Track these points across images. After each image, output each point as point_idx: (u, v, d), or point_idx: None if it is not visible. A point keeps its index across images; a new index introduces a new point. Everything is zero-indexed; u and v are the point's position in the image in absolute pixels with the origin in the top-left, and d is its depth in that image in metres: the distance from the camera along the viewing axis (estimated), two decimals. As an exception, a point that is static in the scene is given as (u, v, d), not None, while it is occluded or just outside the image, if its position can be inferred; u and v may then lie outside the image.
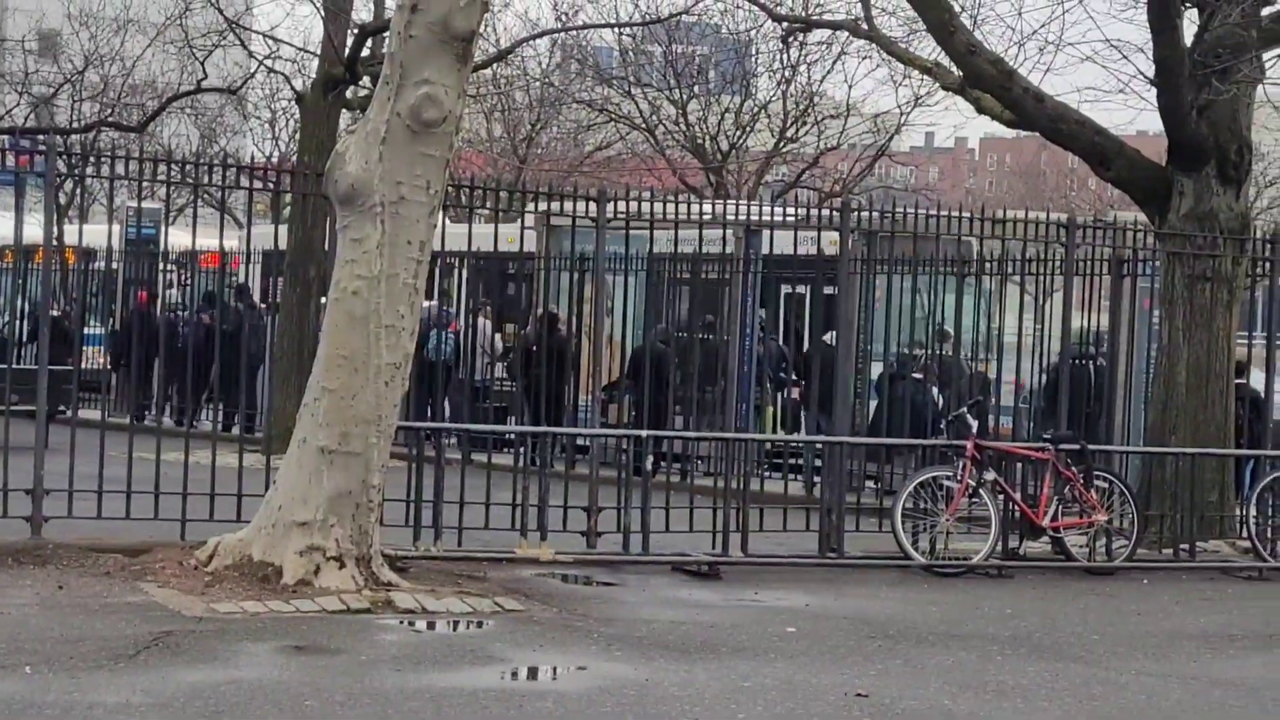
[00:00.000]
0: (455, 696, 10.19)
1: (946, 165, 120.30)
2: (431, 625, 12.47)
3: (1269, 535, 17.17)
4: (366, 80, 24.18)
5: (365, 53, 24.01)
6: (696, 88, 39.66)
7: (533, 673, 11.42)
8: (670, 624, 12.78)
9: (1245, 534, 17.21)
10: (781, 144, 39.20)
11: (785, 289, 23.34)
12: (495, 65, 34.28)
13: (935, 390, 19.63)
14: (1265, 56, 18.39)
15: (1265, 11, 18.26)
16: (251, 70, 32.92)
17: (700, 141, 38.53)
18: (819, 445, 17.96)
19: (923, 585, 15.29)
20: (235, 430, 17.95)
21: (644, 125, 39.02)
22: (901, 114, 37.80)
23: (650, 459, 15.90)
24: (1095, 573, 16.27)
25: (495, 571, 14.29)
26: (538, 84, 40.60)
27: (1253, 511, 16.99)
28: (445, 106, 13.01)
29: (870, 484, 18.30)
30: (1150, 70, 18.20)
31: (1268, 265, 18.89)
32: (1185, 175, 18.33)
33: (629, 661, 11.35)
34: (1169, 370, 18.31)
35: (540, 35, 36.08)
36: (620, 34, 38.99)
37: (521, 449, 16.16)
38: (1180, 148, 18.34)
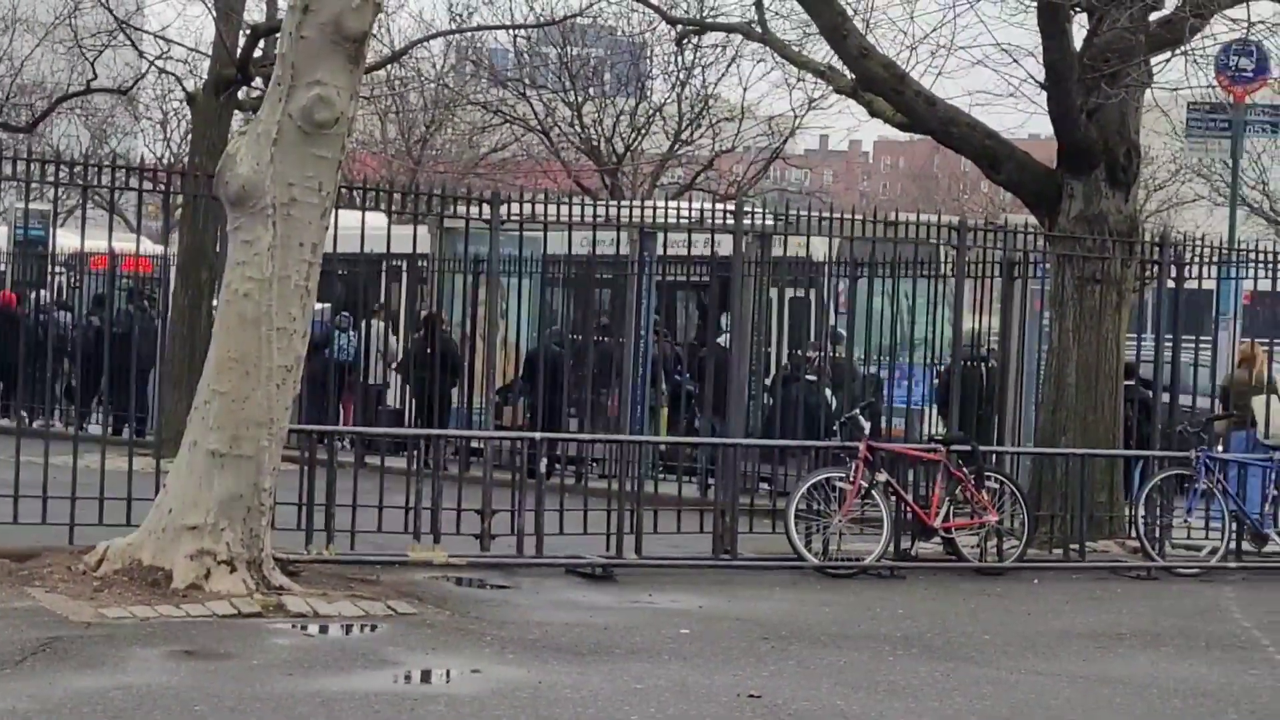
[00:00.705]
0: (347, 700, 10.13)
1: (841, 168, 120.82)
2: (324, 629, 12.40)
3: (1157, 535, 17.34)
4: (259, 81, 24.03)
5: (258, 53, 23.85)
6: (592, 90, 39.67)
7: (425, 676, 11.37)
8: (564, 626, 12.77)
9: (1134, 534, 17.36)
10: (676, 146, 39.29)
11: (680, 291, 23.40)
12: (389, 66, 34.19)
13: (829, 392, 19.72)
14: (1153, 61, 18.58)
15: (1153, 17, 18.44)
16: (143, 71, 32.66)
17: (595, 144, 38.55)
18: (714, 447, 18.00)
19: (816, 586, 15.36)
20: (125, 433, 17.78)
21: (539, 127, 39.00)
22: (796, 117, 37.97)
23: (544, 461, 15.87)
24: (986, 573, 16.39)
25: (388, 575, 14.23)
26: (432, 85, 40.50)
27: (1141, 512, 17.15)
28: (337, 108, 12.94)
29: (764, 486, 18.35)
30: (1040, 74, 18.38)
31: (1156, 268, 19.09)
32: (1075, 178, 18.50)
33: (522, 664, 11.33)
34: (1059, 371, 18.47)
35: (434, 36, 36.01)
36: (515, 36, 38.95)
37: (415, 451, 16.10)
38: (1070, 151, 18.51)
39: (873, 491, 16.15)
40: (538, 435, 16.12)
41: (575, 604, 13.92)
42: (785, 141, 40.03)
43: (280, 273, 12.91)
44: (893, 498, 16.29)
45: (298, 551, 14.31)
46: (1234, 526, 17.54)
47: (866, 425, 16.77)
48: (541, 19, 35.56)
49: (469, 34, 38.80)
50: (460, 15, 37.86)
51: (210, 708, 9.68)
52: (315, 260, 13.10)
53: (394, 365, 24.18)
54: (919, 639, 12.95)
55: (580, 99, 38.60)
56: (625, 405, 18.38)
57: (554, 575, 15.02)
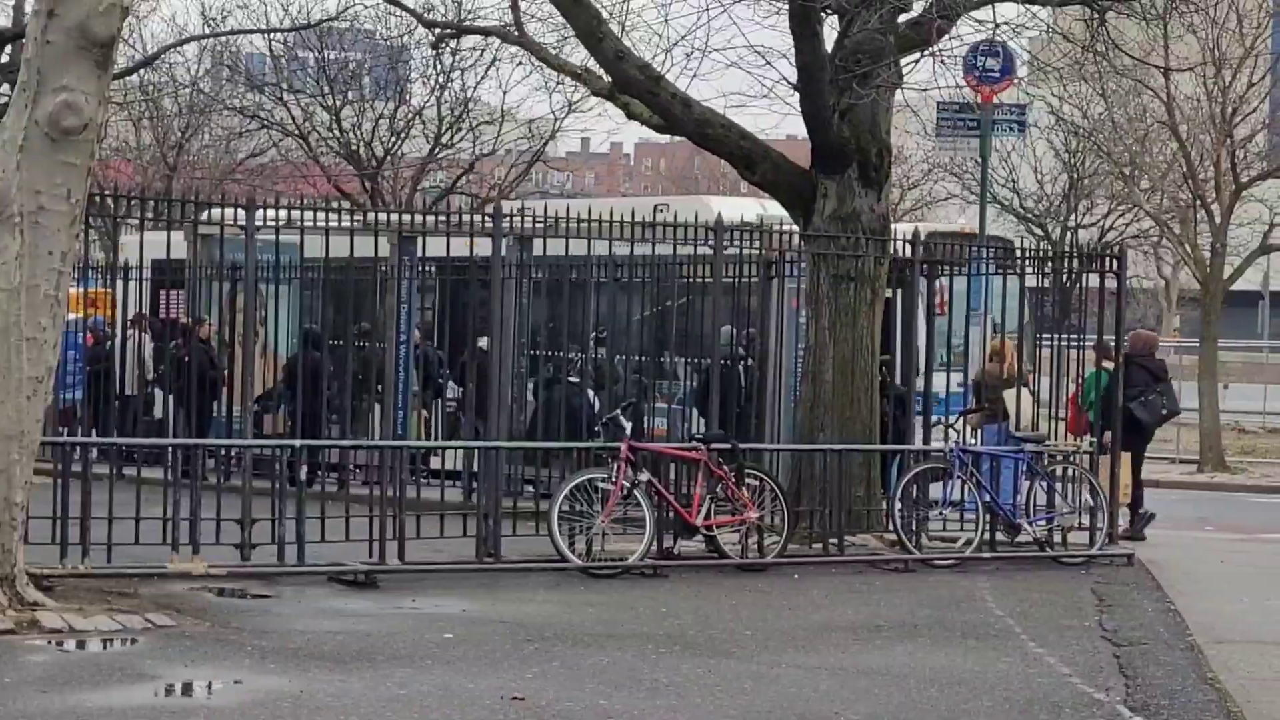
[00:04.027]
0: (105, 716, 9.98)
1: (603, 170, 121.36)
2: (81, 644, 12.20)
3: (913, 528, 17.64)
4: (5, 88, 23.54)
5: (4, 59, 23.37)
6: (350, 94, 39.40)
7: (186, 688, 11.24)
8: (326, 634, 12.69)
9: (891, 527, 17.65)
10: (437, 150, 39.16)
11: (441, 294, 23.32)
12: (142, 71, 33.64)
13: (591, 393, 19.79)
14: (903, 62, 18.90)
15: (902, 18, 18.76)
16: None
17: (355, 148, 38.29)
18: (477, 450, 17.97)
19: (580, 587, 15.41)
20: None
21: (297, 132, 38.65)
22: (556, 120, 38.05)
23: (305, 469, 15.76)
24: (748, 569, 16.57)
25: (147, 587, 14.02)
26: (187, 90, 39.95)
27: (898, 505, 17.44)
28: (85, 114, 12.73)
29: (528, 488, 18.38)
30: (793, 76, 18.61)
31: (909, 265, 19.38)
32: (828, 178, 18.77)
33: (284, 673, 11.24)
34: (816, 369, 18.72)
35: (188, 41, 35.56)
36: (271, 40, 38.56)
37: (173, 462, 15.88)
38: (823, 151, 18.78)
39: (635, 491, 16.25)
40: (298, 443, 15.98)
41: (338, 611, 13.83)
42: (546, 144, 40.06)
43: (29, 282, 12.67)
44: (655, 497, 16.40)
45: (53, 566, 14.05)
46: (987, 518, 17.91)
47: (628, 426, 16.86)
48: (297, 23, 35.24)
49: (224, 38, 38.33)
50: (214, 19, 37.41)
51: (-39, 728, 9.49)
52: (65, 269, 12.87)
53: (151, 375, 23.82)
54: (682, 636, 13.06)
55: (338, 103, 38.32)
56: (387, 411, 18.27)
57: (316, 583, 14.91)
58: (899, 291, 19.40)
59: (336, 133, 38.33)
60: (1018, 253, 20.39)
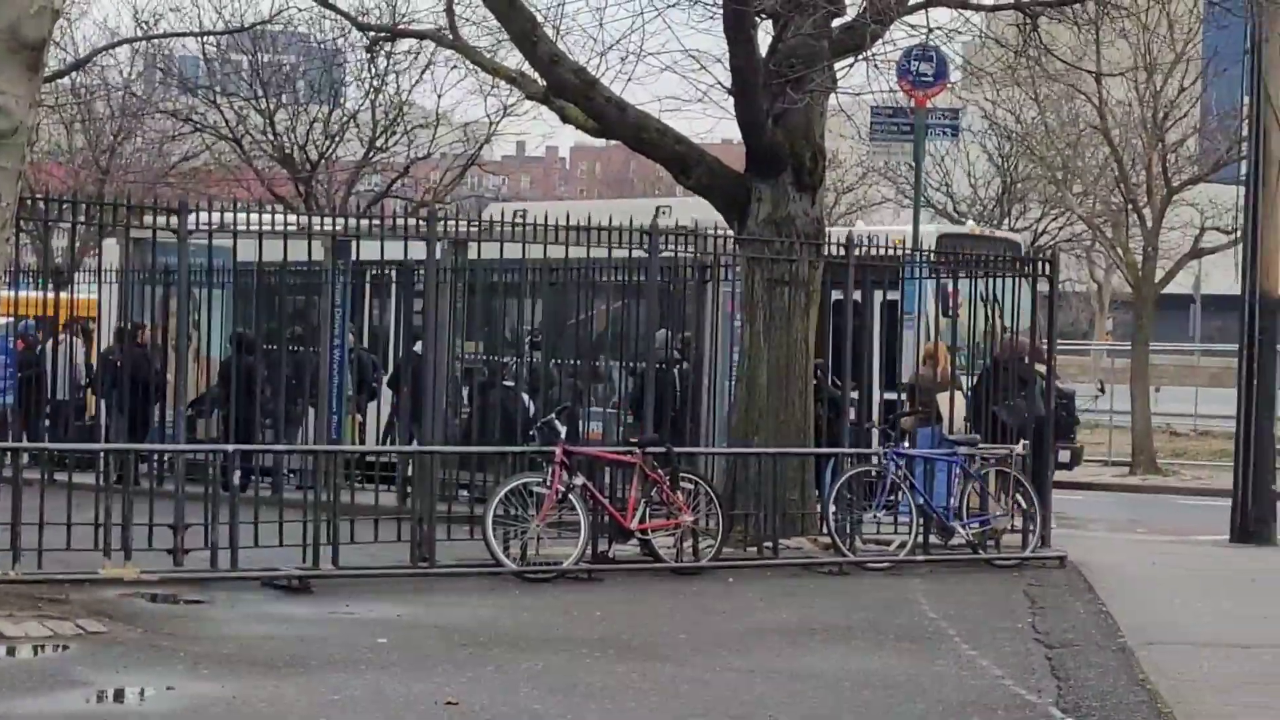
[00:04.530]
0: (35, 723, 9.93)
1: (538, 174, 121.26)
2: (11, 651, 12.08)
3: (848, 530, 17.69)
4: None
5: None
6: (284, 97, 39.27)
7: (118, 695, 11.16)
8: (260, 640, 12.64)
9: (825, 530, 17.70)
10: (371, 154, 39.08)
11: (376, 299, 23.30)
12: (74, 74, 33.43)
13: (526, 397, 19.77)
14: (837, 66, 18.96)
15: (836, 23, 18.81)
16: None
17: (289, 151, 38.17)
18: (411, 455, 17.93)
19: (514, 591, 15.39)
20: None
21: (231, 135, 38.51)
22: (491, 123, 38.03)
23: (239, 473, 15.69)
24: (683, 573, 16.58)
25: (78, 594, 13.92)
26: (120, 94, 39.74)
27: (832, 508, 17.48)
28: (16, 117, 12.63)
29: (463, 492, 18.35)
30: (728, 80, 18.64)
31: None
32: (763, 182, 18.80)
33: (217, 679, 11.19)
34: (751, 372, 18.76)
35: (120, 44, 35.37)
36: (204, 42, 38.38)
37: (105, 467, 15.79)
38: (758, 155, 18.81)
39: (570, 495, 16.25)
40: (230, 447, 15.91)
41: (271, 617, 13.78)
42: (481, 148, 40.04)
43: (-41, 286, 12.59)
44: (590, 501, 16.40)
45: (-17, 572, 13.96)
46: (921, 521, 17.98)
47: (563, 430, 16.85)
48: (231, 25, 35.10)
49: (156, 41, 38.14)
50: (147, 22, 37.22)
51: (-111, 736, 9.41)
52: (-3, 273, 12.80)
53: (84, 381, 23.69)
54: (616, 640, 13.06)
55: (273, 106, 38.19)
56: (321, 415, 18.21)
57: (250, 589, 14.84)
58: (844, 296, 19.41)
59: (270, 136, 38.19)
60: (940, 256, 20.47)
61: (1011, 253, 25.18)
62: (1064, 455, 28.36)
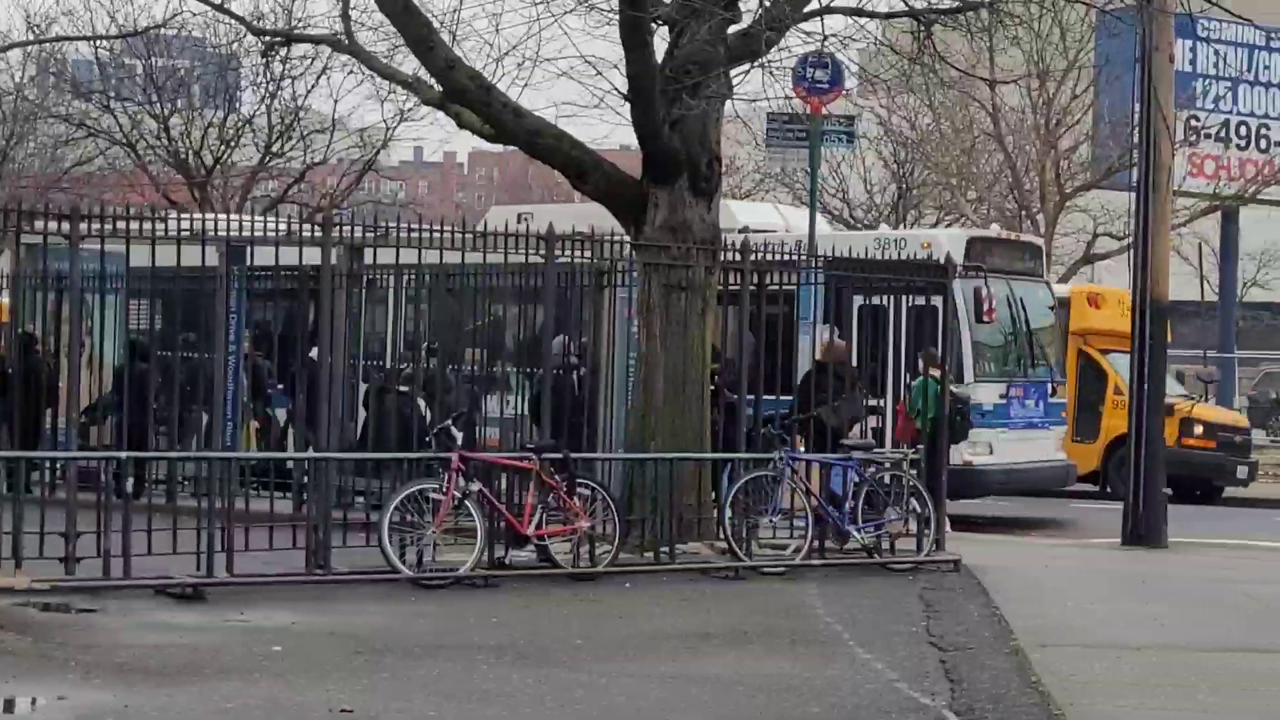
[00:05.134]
0: (-78, 734, 9.81)
1: (436, 179, 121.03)
2: (-101, 661, 11.97)
3: (744, 535, 17.73)
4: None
5: None
6: (179, 102, 39.03)
7: (9, 705, 11.04)
8: (152, 648, 12.54)
9: (722, 535, 17.74)
10: (267, 159, 38.91)
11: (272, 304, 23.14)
12: (-36, 78, 33.08)
13: (422, 403, 19.71)
14: (733, 73, 19.02)
15: (732, 30, 18.87)
16: None
17: (184, 157, 37.95)
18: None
19: (410, 598, 15.35)
20: None
21: (125, 140, 38.23)
22: (388, 129, 37.95)
23: (131, 480, 15.56)
24: (580, 579, 16.58)
25: (-32, 603, 13.80)
26: (11, 98, 39.36)
27: (729, 513, 17.52)
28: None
29: (359, 499, 18.27)
30: (625, 86, 18.66)
31: (739, 274, 19.51)
32: (659, 188, 18.83)
33: (108, 688, 11.10)
34: (648, 378, 18.78)
35: (11, 47, 35.03)
36: (97, 47, 38.10)
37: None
38: (654, 161, 18.85)
39: (466, 501, 16.23)
40: (123, 454, 15.78)
41: (164, 625, 13.67)
42: (378, 153, 39.99)
43: None
44: (486, 507, 16.38)
45: None
46: (817, 525, 18.05)
47: (459, 436, 16.82)
48: (124, 30, 34.84)
49: (48, 45, 37.81)
50: (39, 26, 36.90)
51: None
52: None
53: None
54: (512, 646, 13.05)
55: (167, 111, 37.96)
56: (216, 422, 18.08)
57: (143, 597, 14.72)
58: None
59: (165, 141, 37.99)
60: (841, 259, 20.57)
61: (1032, 256, 25.64)
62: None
